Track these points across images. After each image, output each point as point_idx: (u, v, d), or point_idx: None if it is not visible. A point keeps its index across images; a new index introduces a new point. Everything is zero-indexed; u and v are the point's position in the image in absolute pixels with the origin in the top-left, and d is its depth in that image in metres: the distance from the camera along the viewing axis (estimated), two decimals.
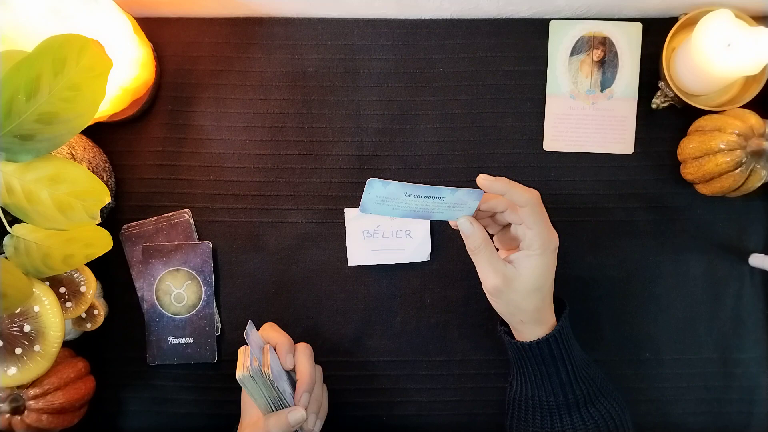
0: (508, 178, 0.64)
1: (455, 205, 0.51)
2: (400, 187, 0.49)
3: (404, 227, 0.64)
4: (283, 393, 0.52)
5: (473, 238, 0.51)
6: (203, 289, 0.64)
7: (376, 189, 0.48)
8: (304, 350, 0.57)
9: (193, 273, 0.64)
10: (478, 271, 0.53)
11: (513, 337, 0.56)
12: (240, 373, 0.51)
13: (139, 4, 0.63)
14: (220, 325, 0.65)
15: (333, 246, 0.65)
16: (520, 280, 0.51)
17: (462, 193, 0.49)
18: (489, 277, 0.51)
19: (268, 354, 0.54)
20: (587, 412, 0.52)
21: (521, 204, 0.50)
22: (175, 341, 0.64)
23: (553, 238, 0.52)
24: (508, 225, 0.55)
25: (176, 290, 0.64)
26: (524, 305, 0.51)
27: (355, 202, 0.65)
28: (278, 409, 0.53)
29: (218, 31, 0.65)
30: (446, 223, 0.65)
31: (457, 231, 0.53)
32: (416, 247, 0.64)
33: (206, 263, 0.64)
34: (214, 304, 0.65)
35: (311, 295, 0.65)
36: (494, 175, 0.50)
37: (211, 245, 0.64)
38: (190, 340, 0.64)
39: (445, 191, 0.49)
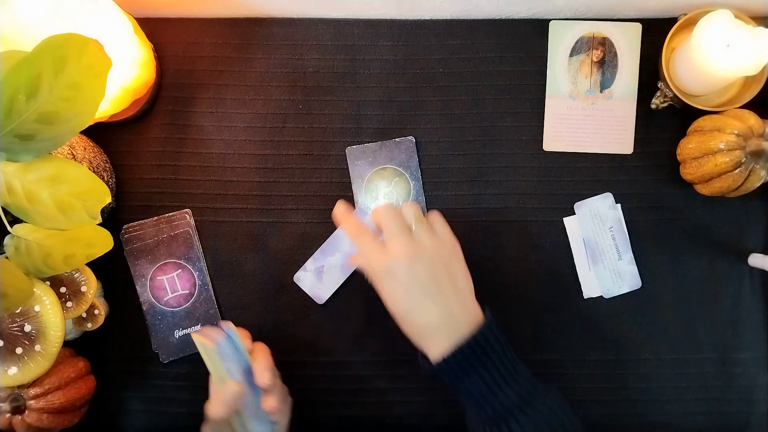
0: (507, 178, 0.65)
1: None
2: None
3: None
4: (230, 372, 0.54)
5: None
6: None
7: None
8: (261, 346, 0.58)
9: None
10: None
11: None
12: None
13: (140, 4, 0.63)
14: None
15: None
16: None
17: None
18: None
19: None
20: (524, 416, 0.48)
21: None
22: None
23: (374, 261, 0.50)
24: None
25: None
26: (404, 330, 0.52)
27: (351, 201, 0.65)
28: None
29: (218, 32, 0.65)
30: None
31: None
32: None
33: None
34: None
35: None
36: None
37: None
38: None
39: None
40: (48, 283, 0.53)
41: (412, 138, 0.65)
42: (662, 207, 0.65)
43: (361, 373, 0.65)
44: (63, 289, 0.56)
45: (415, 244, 0.50)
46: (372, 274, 0.51)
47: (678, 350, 0.65)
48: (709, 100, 0.62)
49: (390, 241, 0.50)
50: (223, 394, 0.52)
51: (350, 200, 0.65)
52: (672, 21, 0.62)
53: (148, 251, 0.64)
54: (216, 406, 0.51)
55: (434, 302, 0.50)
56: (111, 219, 0.64)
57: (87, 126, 0.44)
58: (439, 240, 0.52)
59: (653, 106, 0.64)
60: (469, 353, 0.48)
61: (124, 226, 0.65)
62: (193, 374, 0.65)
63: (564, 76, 0.65)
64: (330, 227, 0.65)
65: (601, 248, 0.65)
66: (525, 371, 0.51)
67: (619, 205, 0.65)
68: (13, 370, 0.51)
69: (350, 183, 0.65)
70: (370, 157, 0.65)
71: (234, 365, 0.54)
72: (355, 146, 0.65)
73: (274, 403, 0.54)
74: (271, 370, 0.55)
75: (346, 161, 0.65)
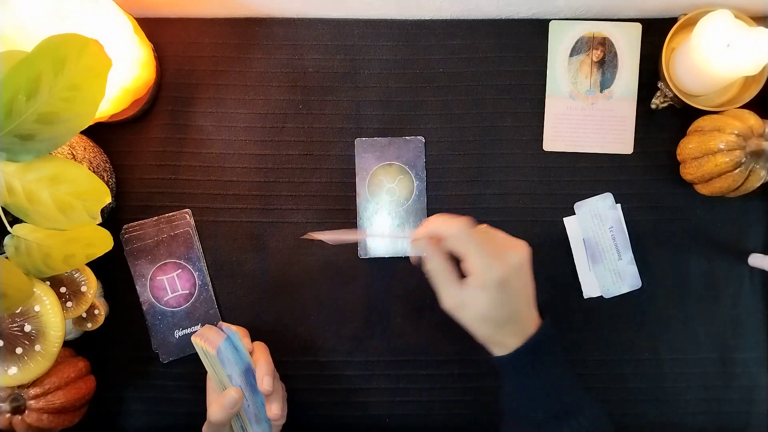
0: (507, 178, 0.65)
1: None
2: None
3: None
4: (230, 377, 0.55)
5: (427, 261, 0.50)
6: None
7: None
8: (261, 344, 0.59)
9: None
10: None
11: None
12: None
13: (140, 4, 0.63)
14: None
15: (333, 246, 0.65)
16: (467, 308, 0.49)
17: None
18: (443, 300, 0.50)
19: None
20: (576, 422, 0.48)
21: (446, 236, 0.48)
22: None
23: (497, 269, 0.47)
24: None
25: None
26: (476, 331, 0.50)
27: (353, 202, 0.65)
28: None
29: (218, 32, 0.65)
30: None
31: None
32: None
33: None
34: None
35: (311, 295, 0.65)
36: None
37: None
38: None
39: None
40: (48, 283, 0.53)
41: (421, 138, 0.65)
42: (662, 207, 0.65)
43: (360, 373, 0.65)
44: (63, 289, 0.56)
45: (517, 240, 0.49)
46: (482, 283, 0.47)
47: (678, 350, 0.65)
48: (709, 100, 0.62)
49: (504, 240, 0.49)
50: (224, 400, 0.53)
51: (351, 196, 0.65)
52: (672, 21, 0.62)
53: (148, 251, 0.64)
54: (217, 411, 0.52)
55: (528, 303, 0.49)
56: (111, 219, 0.64)
57: (87, 126, 0.44)
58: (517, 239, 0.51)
59: (653, 106, 0.63)
60: (538, 347, 0.49)
61: (124, 226, 0.65)
62: (193, 374, 0.65)
63: (564, 76, 0.65)
64: (330, 227, 0.65)
65: (601, 248, 0.65)
66: (575, 377, 0.51)
67: (619, 205, 0.65)
68: (13, 370, 0.51)
69: (351, 183, 0.65)
70: (378, 152, 0.65)
71: (234, 369, 0.55)
72: (364, 139, 0.65)
73: (278, 410, 0.55)
74: (271, 374, 0.55)
75: (346, 161, 0.65)
